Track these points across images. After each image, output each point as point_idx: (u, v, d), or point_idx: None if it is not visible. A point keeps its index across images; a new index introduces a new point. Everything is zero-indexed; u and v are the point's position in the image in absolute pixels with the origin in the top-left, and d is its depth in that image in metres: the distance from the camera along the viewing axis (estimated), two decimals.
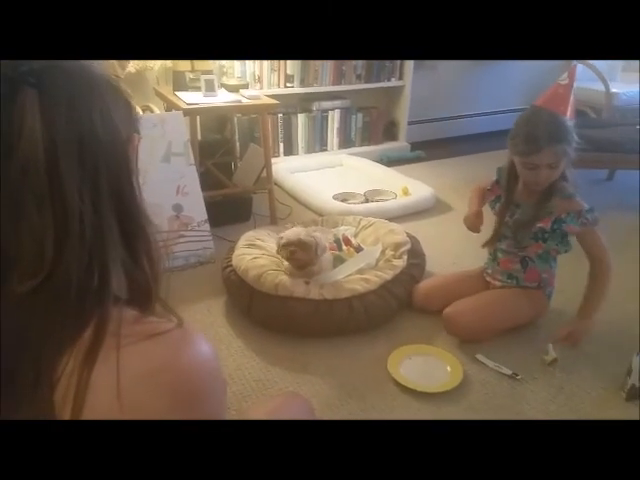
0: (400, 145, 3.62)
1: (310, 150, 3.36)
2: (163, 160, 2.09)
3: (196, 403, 0.56)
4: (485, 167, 3.43)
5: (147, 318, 0.56)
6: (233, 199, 2.51)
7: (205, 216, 2.14)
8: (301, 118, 3.25)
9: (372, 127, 3.52)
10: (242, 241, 1.96)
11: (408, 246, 1.92)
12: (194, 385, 0.55)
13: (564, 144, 1.51)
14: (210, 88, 2.31)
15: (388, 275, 1.76)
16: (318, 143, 3.37)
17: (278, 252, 1.79)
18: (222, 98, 2.32)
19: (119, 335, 0.52)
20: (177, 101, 2.28)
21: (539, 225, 1.62)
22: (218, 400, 0.60)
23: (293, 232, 1.77)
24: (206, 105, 2.23)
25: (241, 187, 2.54)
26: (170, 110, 2.38)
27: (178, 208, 2.10)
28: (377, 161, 3.30)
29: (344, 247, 1.94)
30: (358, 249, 1.93)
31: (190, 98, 2.28)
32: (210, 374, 0.58)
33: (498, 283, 1.78)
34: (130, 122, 0.59)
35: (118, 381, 0.50)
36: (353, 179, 3.02)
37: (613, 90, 3.41)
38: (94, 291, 0.53)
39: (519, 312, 1.71)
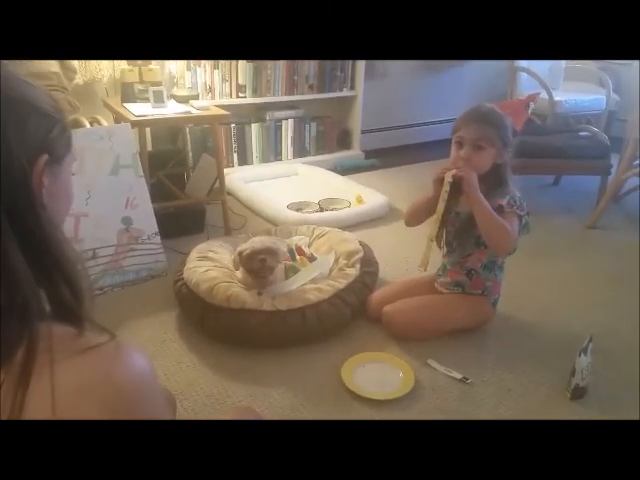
0: (354, 154, 3.66)
1: (265, 160, 3.36)
2: (111, 173, 2.04)
3: (132, 416, 0.56)
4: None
5: (80, 333, 0.56)
6: (186, 210, 2.48)
7: (156, 228, 2.10)
8: (255, 128, 3.24)
9: (326, 136, 3.55)
10: (194, 254, 1.94)
11: (361, 254, 1.94)
12: (129, 398, 0.56)
13: (494, 128, 1.58)
14: (159, 99, 2.28)
15: (341, 284, 1.77)
16: (273, 152, 3.37)
17: (239, 264, 1.77)
18: (171, 109, 2.29)
19: (51, 351, 0.52)
20: (125, 113, 2.24)
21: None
22: (155, 412, 0.60)
23: (258, 241, 1.77)
24: (155, 117, 2.20)
25: (194, 198, 2.52)
26: (119, 122, 2.33)
27: (127, 221, 2.05)
28: (332, 170, 3.33)
29: (297, 257, 1.94)
30: (311, 259, 1.94)
31: (138, 110, 2.24)
32: (145, 386, 0.58)
33: (445, 291, 1.83)
34: (39, 141, 0.56)
35: (53, 398, 0.50)
36: (308, 188, 3.03)
37: (556, 98, 3.56)
38: (17, 313, 0.52)
39: (458, 315, 1.75)
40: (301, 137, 3.44)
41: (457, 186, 1.69)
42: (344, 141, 3.67)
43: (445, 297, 1.80)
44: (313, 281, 1.80)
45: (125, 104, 2.35)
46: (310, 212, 2.63)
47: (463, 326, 1.76)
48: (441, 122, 4.09)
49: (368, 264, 1.94)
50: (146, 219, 2.08)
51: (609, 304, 1.98)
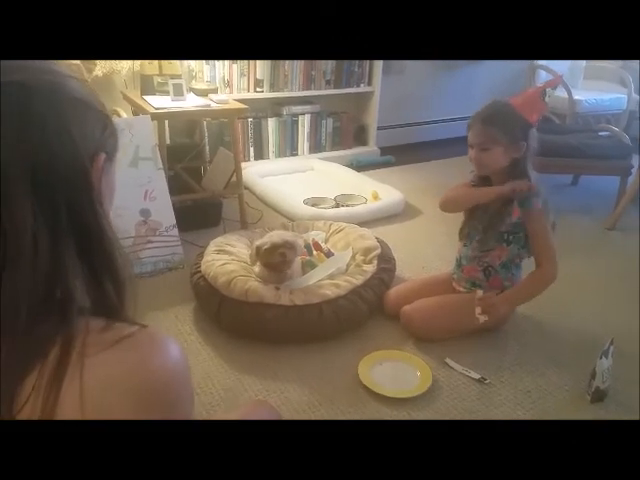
0: (370, 150, 3.64)
1: (281, 154, 3.35)
2: (131, 165, 2.05)
3: (165, 407, 0.55)
4: (454, 172, 3.49)
5: (113, 324, 0.55)
6: (202, 204, 2.48)
7: (173, 221, 2.10)
8: (271, 122, 3.24)
9: (342, 132, 3.53)
10: (211, 247, 1.94)
11: (378, 251, 1.93)
12: (164, 389, 0.54)
13: (496, 128, 1.58)
14: (178, 92, 2.28)
15: (358, 280, 1.77)
16: (289, 147, 3.37)
17: (257, 258, 1.77)
18: (190, 102, 2.29)
19: (84, 347, 0.51)
20: (145, 105, 2.24)
21: (505, 224, 1.65)
22: (187, 404, 0.59)
23: (277, 235, 1.76)
24: (174, 109, 2.20)
25: (210, 191, 2.52)
26: (138, 114, 2.34)
27: (146, 213, 2.06)
28: (347, 166, 3.32)
29: (314, 252, 1.94)
30: (328, 254, 1.93)
31: (158, 102, 2.24)
32: (180, 377, 0.57)
33: (462, 289, 1.81)
34: (97, 141, 0.57)
35: (81, 394, 0.49)
36: (324, 184, 3.02)
37: (576, 97, 3.51)
38: (56, 310, 0.52)
39: (475, 317, 1.70)
40: (317, 132, 3.43)
41: (481, 180, 1.69)
42: (360, 137, 3.66)
43: (464, 297, 1.78)
44: (330, 277, 1.80)
45: (144, 96, 2.35)
46: (326, 208, 2.62)
47: (482, 326, 1.74)
48: (457, 120, 4.05)
49: (385, 261, 1.93)
50: (164, 211, 2.09)
51: (628, 306, 1.95)
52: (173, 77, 2.36)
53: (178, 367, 0.56)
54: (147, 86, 2.39)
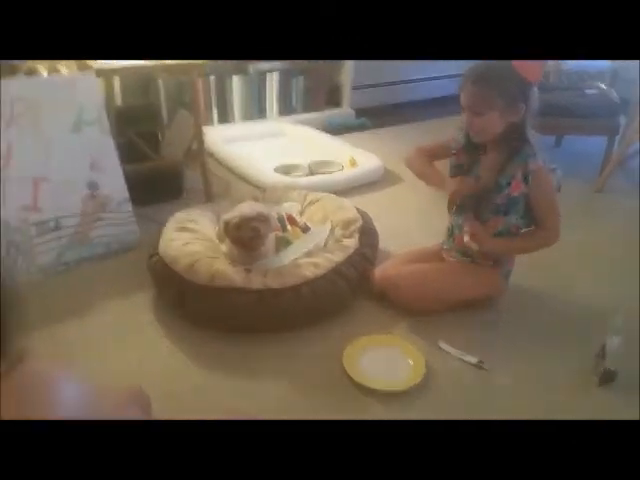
0: (344, 112, 3.39)
1: (248, 117, 3.08)
2: (73, 130, 1.77)
3: None
4: (435, 134, 3.29)
5: None
6: (161, 173, 2.22)
7: (126, 194, 1.85)
8: (236, 80, 2.95)
9: (314, 92, 3.27)
10: (171, 224, 1.70)
11: (359, 223, 1.73)
12: None
13: (491, 88, 1.38)
14: None
15: (339, 257, 1.57)
16: (256, 109, 3.10)
17: (225, 235, 1.56)
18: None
19: None
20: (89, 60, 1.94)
21: (501, 196, 1.47)
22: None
23: (247, 207, 1.54)
24: (123, 64, 1.91)
25: (169, 159, 2.26)
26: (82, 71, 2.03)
27: (93, 185, 1.79)
28: (320, 129, 3.08)
29: (289, 227, 1.72)
30: (305, 229, 1.72)
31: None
32: None
33: (453, 259, 1.65)
34: None
35: None
36: (296, 150, 2.78)
37: None
38: None
39: (467, 285, 1.58)
40: (287, 92, 3.16)
41: (473, 146, 1.50)
42: (333, 98, 3.40)
43: (453, 265, 1.64)
44: (308, 254, 1.59)
45: None
46: (299, 176, 2.40)
47: (472, 297, 1.59)
48: (438, 78, 3.82)
49: (368, 234, 1.73)
50: (115, 183, 1.83)
51: (629, 274, 1.82)
52: None
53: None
54: None
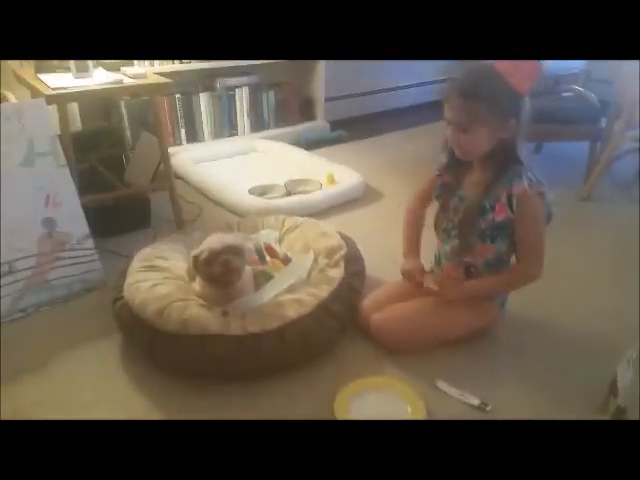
0: (319, 125, 3.28)
1: (218, 135, 2.94)
2: (24, 163, 1.60)
3: None
4: (414, 146, 3.22)
5: None
6: (126, 202, 2.06)
7: (86, 230, 1.68)
8: (204, 98, 2.81)
9: (286, 106, 3.15)
10: (136, 263, 1.55)
11: (344, 251, 1.60)
12: None
13: (481, 102, 1.24)
14: (82, 68, 1.83)
15: (324, 291, 1.44)
16: (226, 127, 2.96)
17: (195, 272, 1.41)
18: (98, 79, 1.84)
19: None
20: (40, 86, 1.78)
21: (485, 220, 1.36)
22: None
23: (216, 240, 1.40)
24: (76, 89, 1.75)
25: (135, 186, 2.10)
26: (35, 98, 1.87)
27: (50, 223, 1.63)
28: (295, 144, 2.95)
29: (268, 259, 1.59)
30: (285, 260, 1.58)
31: (56, 82, 1.79)
32: None
33: None
34: None
35: None
36: (270, 167, 2.65)
37: None
38: None
39: (460, 321, 1.45)
40: (258, 108, 3.03)
41: (457, 162, 1.39)
42: (307, 111, 3.28)
43: (441, 301, 1.47)
44: (290, 289, 1.46)
45: (40, 75, 1.89)
46: (276, 197, 2.26)
47: (467, 333, 1.47)
48: (410, 87, 3.74)
49: (353, 262, 1.60)
50: (73, 219, 1.66)
51: (626, 287, 1.73)
52: None
53: None
54: (44, 63, 1.92)
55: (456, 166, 1.42)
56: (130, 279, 1.46)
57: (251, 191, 2.29)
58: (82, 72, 1.82)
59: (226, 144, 2.88)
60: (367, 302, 1.51)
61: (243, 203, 2.17)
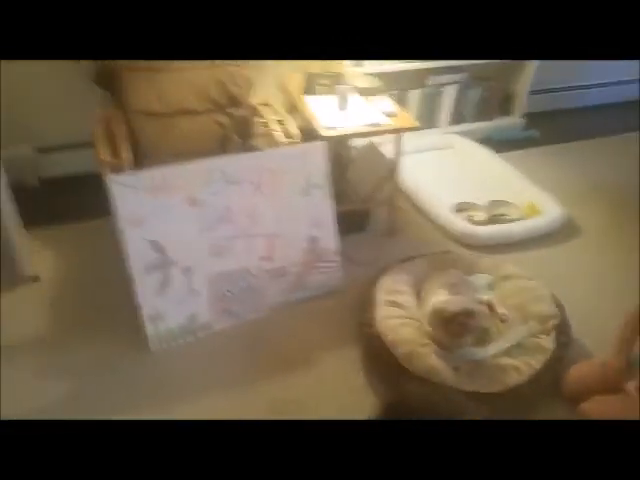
0: (512, 121, 3.30)
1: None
2: (302, 193, 1.96)
3: None
4: (615, 158, 2.97)
5: None
6: (353, 211, 2.36)
7: (338, 246, 2.07)
8: (414, 95, 2.95)
9: (488, 100, 3.18)
10: (382, 295, 1.88)
11: (557, 320, 1.81)
12: None
13: None
14: (343, 103, 2.09)
15: (538, 362, 1.67)
16: (427, 120, 3.09)
17: (435, 321, 1.70)
18: (359, 119, 2.09)
19: None
20: (308, 114, 2.07)
21: None
22: None
23: (455, 301, 1.67)
24: (346, 131, 2.02)
25: (358, 198, 2.39)
26: (292, 113, 2.18)
27: (313, 240, 2.02)
28: (485, 140, 3.06)
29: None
30: (503, 319, 1.84)
31: (326, 118, 2.08)
32: None
33: None
34: None
35: None
36: (468, 175, 2.80)
37: None
38: None
39: None
40: (460, 103, 3.11)
41: None
42: (504, 106, 3.29)
43: None
44: (506, 352, 1.71)
45: (306, 96, 2.17)
46: (479, 220, 2.45)
47: None
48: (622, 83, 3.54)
49: (563, 331, 1.79)
50: (330, 238, 2.04)
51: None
52: (334, 76, 2.14)
53: None
54: (310, 85, 2.20)
55: None
56: (380, 312, 1.80)
57: (454, 208, 2.49)
58: (343, 107, 2.08)
59: (425, 136, 3.00)
60: (573, 372, 1.66)
61: (447, 222, 2.39)
